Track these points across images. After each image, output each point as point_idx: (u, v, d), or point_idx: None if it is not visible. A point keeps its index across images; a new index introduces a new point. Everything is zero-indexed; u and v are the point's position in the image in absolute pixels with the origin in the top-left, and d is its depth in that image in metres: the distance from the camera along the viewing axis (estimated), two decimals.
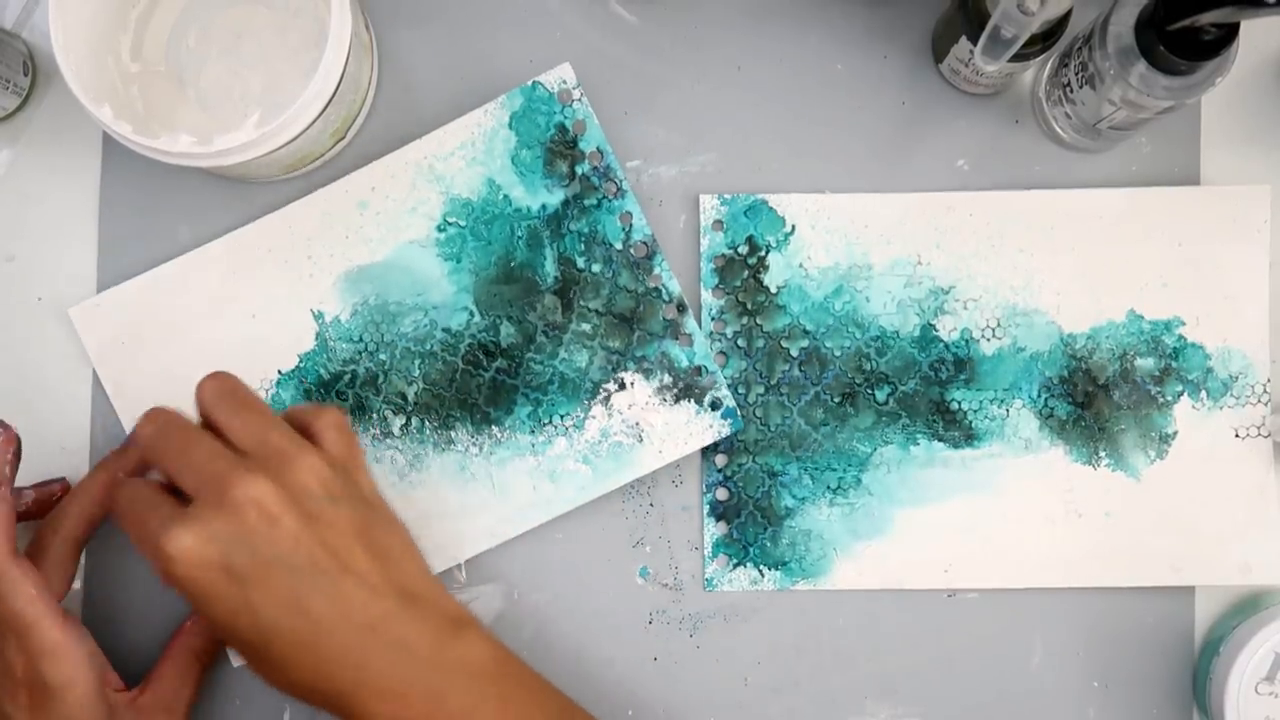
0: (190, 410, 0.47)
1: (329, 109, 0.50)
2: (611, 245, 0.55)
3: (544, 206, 0.55)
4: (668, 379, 0.54)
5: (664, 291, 0.55)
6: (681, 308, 0.55)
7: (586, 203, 0.55)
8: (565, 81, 0.55)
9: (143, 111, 0.54)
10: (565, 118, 0.55)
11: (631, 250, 0.55)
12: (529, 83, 0.55)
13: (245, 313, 0.55)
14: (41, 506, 0.52)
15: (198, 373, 0.47)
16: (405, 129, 0.55)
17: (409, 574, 0.45)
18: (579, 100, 0.55)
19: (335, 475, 0.45)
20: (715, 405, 0.54)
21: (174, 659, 0.52)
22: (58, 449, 0.55)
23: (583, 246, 0.55)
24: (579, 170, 0.55)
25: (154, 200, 0.56)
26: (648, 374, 0.55)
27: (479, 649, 0.45)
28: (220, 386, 0.47)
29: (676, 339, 0.55)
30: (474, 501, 0.55)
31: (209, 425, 0.46)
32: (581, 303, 0.55)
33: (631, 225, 0.55)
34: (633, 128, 0.56)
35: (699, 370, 0.54)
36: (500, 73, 0.56)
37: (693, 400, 0.54)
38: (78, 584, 0.55)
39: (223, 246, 0.55)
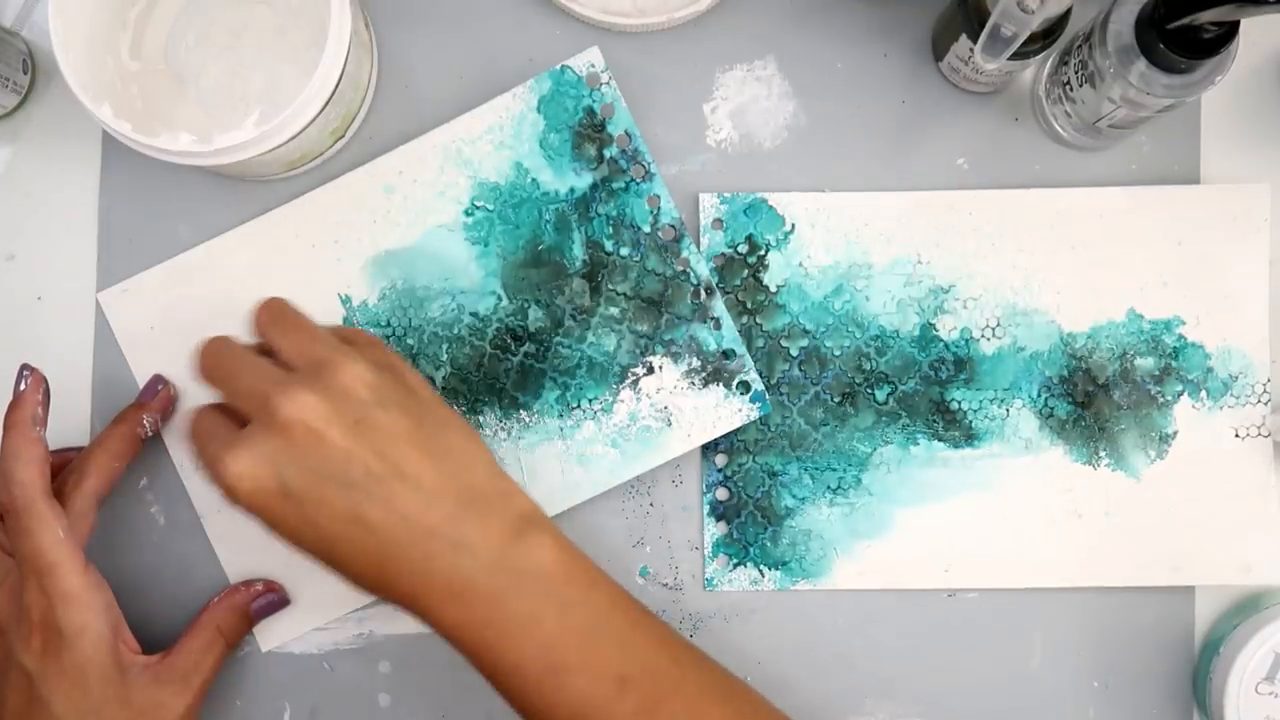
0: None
1: (328, 108, 0.50)
2: (639, 228, 0.55)
3: (572, 190, 0.55)
4: (696, 362, 0.54)
5: (692, 275, 0.54)
6: (709, 291, 0.54)
7: (614, 186, 0.55)
8: (594, 65, 0.55)
9: (142, 110, 0.54)
10: (594, 101, 0.55)
11: (659, 233, 0.54)
12: (558, 66, 0.55)
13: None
14: (57, 472, 0.52)
15: None
16: (404, 128, 0.55)
17: (470, 471, 0.45)
18: (607, 84, 0.55)
19: (381, 377, 0.44)
20: (744, 388, 0.54)
21: (198, 632, 0.52)
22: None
23: (610, 230, 0.55)
24: (607, 154, 0.55)
25: (154, 199, 0.56)
26: (676, 357, 0.54)
27: (544, 551, 0.44)
28: (270, 311, 0.47)
29: (705, 322, 0.54)
30: None
31: (266, 350, 0.47)
32: (609, 286, 0.55)
33: (659, 208, 0.55)
34: None
35: (727, 354, 0.54)
36: (500, 72, 0.56)
37: (721, 384, 0.54)
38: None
39: (250, 231, 0.55)
